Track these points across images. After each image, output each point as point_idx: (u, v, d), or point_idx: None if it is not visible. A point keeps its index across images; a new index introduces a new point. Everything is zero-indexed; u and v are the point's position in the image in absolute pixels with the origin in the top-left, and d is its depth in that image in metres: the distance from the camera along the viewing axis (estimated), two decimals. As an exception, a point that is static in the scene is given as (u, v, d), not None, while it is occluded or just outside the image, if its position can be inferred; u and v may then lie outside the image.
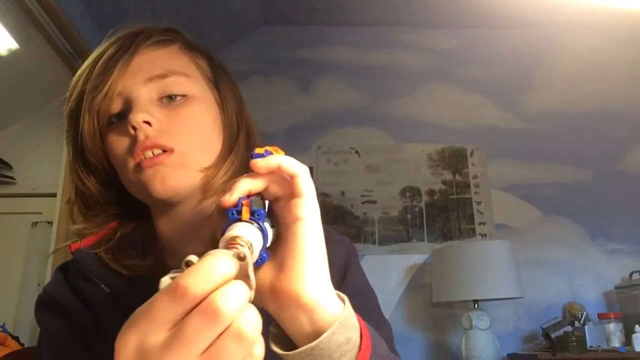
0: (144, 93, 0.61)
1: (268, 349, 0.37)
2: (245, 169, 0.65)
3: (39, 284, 2.42)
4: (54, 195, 2.32)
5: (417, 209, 2.86)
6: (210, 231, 0.62)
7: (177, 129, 0.61)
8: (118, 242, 0.64)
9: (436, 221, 2.84)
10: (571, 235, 2.81)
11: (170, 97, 0.62)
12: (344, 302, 0.44)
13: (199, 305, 0.31)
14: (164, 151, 0.59)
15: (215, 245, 0.41)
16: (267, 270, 0.43)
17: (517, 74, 3.09)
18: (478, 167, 2.90)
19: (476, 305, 2.39)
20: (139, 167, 0.59)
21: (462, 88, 3.07)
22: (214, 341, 0.30)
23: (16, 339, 2.01)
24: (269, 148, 0.46)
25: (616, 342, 2.32)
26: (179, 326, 0.31)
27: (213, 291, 0.31)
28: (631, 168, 2.93)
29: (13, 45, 2.14)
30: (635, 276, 2.56)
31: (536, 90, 3.08)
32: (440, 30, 3.17)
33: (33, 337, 2.30)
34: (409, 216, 2.84)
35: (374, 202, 2.87)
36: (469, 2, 2.87)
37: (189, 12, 2.60)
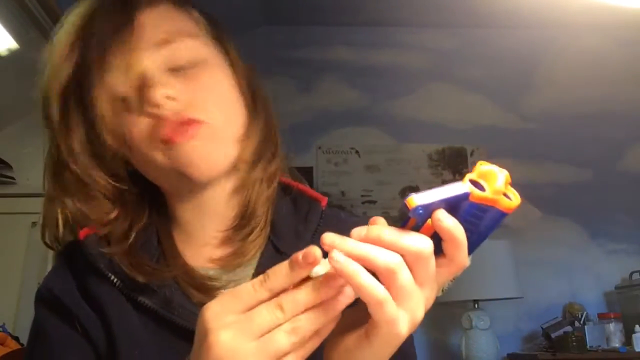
0: (154, 63, 0.54)
1: None
2: (268, 135, 0.61)
3: (38, 284, 2.41)
4: (54, 195, 2.32)
5: (417, 209, 2.86)
6: (231, 209, 0.60)
7: (202, 99, 0.55)
8: (131, 245, 0.57)
9: (436, 221, 2.84)
10: (571, 235, 2.81)
11: (182, 65, 0.56)
12: None
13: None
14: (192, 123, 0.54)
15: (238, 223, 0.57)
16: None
17: (517, 74, 3.09)
18: (478, 167, 2.89)
19: (476, 305, 2.39)
20: (168, 144, 0.53)
21: (462, 88, 3.06)
22: (271, 330, 0.36)
23: (16, 339, 2.01)
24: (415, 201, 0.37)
25: (616, 342, 2.32)
26: (252, 310, 0.37)
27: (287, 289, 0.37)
28: (631, 168, 2.93)
29: (13, 45, 2.14)
30: (635, 276, 2.56)
31: (536, 90, 3.07)
32: (440, 30, 3.17)
33: (33, 337, 2.30)
34: (409, 216, 2.84)
35: (374, 202, 2.87)
36: (469, 2, 2.86)
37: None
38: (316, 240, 0.38)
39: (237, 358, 0.36)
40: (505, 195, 0.39)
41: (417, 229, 0.39)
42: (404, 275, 0.37)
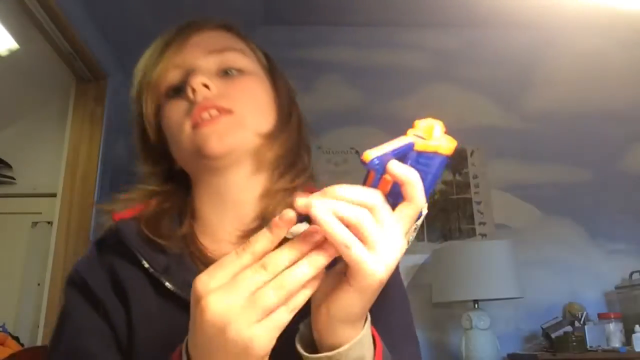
0: (204, 64, 0.64)
1: (292, 343, 0.47)
2: (298, 151, 0.69)
3: (39, 284, 2.42)
4: (54, 195, 2.32)
5: (417, 209, 2.85)
6: (250, 211, 0.64)
7: (235, 94, 0.63)
8: (157, 215, 0.64)
9: (436, 221, 2.84)
10: (571, 235, 2.80)
11: (228, 72, 0.65)
12: (366, 320, 0.48)
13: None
14: (221, 112, 0.61)
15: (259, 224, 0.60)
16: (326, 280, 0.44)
17: (517, 74, 3.09)
18: (478, 167, 2.90)
19: (476, 305, 2.39)
20: (195, 127, 0.61)
21: (462, 88, 3.06)
22: (259, 288, 0.39)
23: (16, 339, 2.01)
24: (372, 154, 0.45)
25: (616, 342, 2.32)
26: (237, 274, 0.39)
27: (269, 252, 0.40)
28: (631, 168, 2.93)
29: (13, 45, 2.14)
30: (635, 276, 2.56)
31: (536, 90, 3.07)
32: (441, 30, 3.17)
33: (33, 337, 2.30)
34: (409, 216, 2.84)
35: (374, 202, 2.87)
36: (469, 2, 2.86)
37: (189, 12, 2.59)
38: None
39: (229, 317, 0.38)
40: (443, 142, 0.46)
41: (376, 183, 0.44)
42: (370, 224, 0.41)
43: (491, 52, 3.12)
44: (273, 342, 0.39)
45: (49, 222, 2.47)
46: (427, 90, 3.06)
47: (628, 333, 2.32)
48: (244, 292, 0.38)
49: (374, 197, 0.43)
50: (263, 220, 0.63)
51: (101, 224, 0.66)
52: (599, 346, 2.31)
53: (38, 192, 2.55)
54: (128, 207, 0.65)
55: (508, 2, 2.83)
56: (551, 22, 3.05)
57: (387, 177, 0.44)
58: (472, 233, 2.82)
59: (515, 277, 2.33)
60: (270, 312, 0.38)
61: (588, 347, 2.29)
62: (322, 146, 2.95)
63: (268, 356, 0.40)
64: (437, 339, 2.63)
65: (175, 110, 0.63)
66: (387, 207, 0.43)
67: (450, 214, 2.85)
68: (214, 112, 0.60)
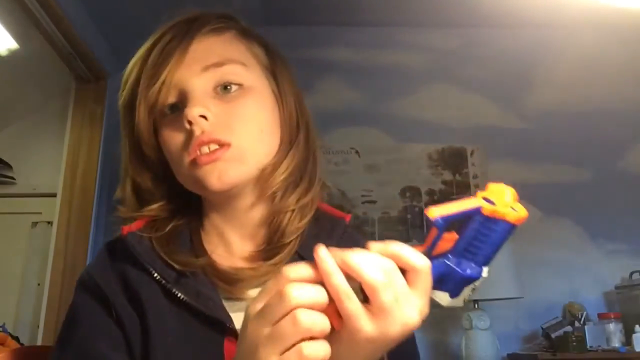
0: (200, 84, 0.60)
1: None
2: (305, 166, 0.66)
3: (38, 284, 2.42)
4: (54, 195, 2.33)
5: (417, 209, 2.85)
6: (259, 230, 0.65)
7: (234, 122, 0.60)
8: (169, 234, 0.63)
9: (436, 221, 2.84)
10: (571, 235, 2.80)
11: (226, 88, 0.61)
12: None
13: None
14: (220, 146, 0.59)
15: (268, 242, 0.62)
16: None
17: (517, 74, 3.08)
18: (478, 167, 2.90)
19: (476, 305, 2.39)
20: (194, 163, 0.59)
21: (462, 88, 3.06)
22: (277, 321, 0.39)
23: (16, 339, 2.01)
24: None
25: (616, 342, 2.32)
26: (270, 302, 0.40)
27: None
28: (631, 168, 2.93)
29: (13, 45, 2.14)
30: (635, 276, 2.56)
31: (536, 90, 3.07)
32: (441, 30, 3.17)
33: (33, 337, 2.30)
34: (409, 216, 2.84)
35: (374, 202, 2.87)
36: (470, 2, 2.86)
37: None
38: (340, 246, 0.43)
39: (259, 343, 0.40)
40: (512, 209, 0.44)
41: (437, 240, 0.43)
42: (385, 295, 0.40)
43: (491, 52, 3.12)
44: None
45: (49, 222, 2.47)
46: (427, 90, 3.06)
47: (628, 333, 2.32)
48: (271, 321, 0.39)
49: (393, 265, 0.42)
50: (271, 242, 0.63)
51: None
52: (599, 346, 2.31)
53: (38, 192, 2.55)
54: (141, 217, 0.64)
55: (508, 1, 2.83)
56: (551, 22, 3.05)
57: (448, 235, 0.43)
58: (472, 233, 2.82)
59: (515, 277, 2.33)
60: (287, 349, 0.39)
61: (588, 347, 2.29)
62: (322, 146, 2.94)
63: None
64: (437, 339, 2.63)
65: (173, 139, 0.61)
66: (403, 280, 0.43)
67: (450, 214, 2.85)
68: (213, 146, 0.58)
